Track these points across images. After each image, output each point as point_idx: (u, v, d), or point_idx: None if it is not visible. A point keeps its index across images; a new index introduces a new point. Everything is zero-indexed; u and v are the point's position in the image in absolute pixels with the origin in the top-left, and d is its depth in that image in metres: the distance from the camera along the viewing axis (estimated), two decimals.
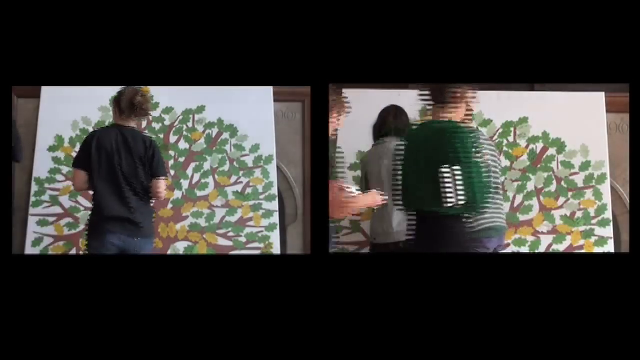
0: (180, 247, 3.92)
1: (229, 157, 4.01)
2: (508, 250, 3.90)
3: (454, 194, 2.37)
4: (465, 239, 2.49)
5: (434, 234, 2.44)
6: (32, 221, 3.81)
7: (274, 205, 3.97)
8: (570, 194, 3.88)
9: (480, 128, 3.96)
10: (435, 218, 2.44)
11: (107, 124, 4.00)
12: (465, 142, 2.41)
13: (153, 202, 3.10)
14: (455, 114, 2.55)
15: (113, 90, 3.85)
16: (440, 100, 2.54)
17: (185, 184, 3.97)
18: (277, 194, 4.00)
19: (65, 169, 3.81)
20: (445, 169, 2.38)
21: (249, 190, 3.98)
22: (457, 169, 2.37)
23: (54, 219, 3.83)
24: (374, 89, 3.93)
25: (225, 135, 4.04)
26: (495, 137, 3.97)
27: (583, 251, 3.82)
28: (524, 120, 3.98)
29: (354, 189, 2.59)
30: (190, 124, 4.03)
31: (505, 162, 3.97)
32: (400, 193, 2.59)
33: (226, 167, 4.00)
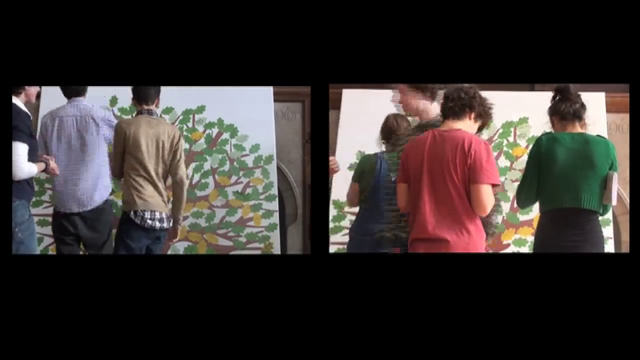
0: (180, 247, 3.92)
1: (229, 157, 4.01)
2: (508, 250, 3.90)
3: (615, 195, 2.71)
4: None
5: (591, 230, 2.72)
6: None
7: (274, 205, 3.98)
8: None
9: None
10: (592, 217, 2.73)
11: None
12: (614, 153, 2.77)
13: None
14: (586, 129, 2.83)
15: (113, 90, 3.87)
16: (578, 117, 2.81)
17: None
18: (277, 194, 4.00)
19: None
20: (611, 173, 2.70)
21: (249, 190, 3.98)
22: (615, 174, 2.72)
23: None
24: (374, 89, 3.93)
25: (225, 135, 4.04)
26: (495, 137, 3.97)
27: None
28: (524, 120, 3.98)
29: None
30: (190, 124, 4.03)
31: (505, 162, 3.97)
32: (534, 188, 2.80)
33: (226, 167, 4.00)
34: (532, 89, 4.05)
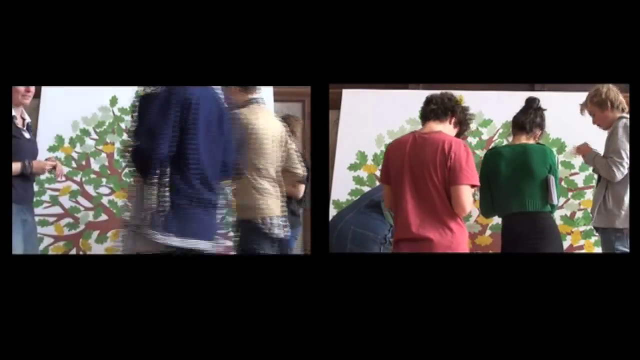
0: None
1: None
2: None
3: (557, 197, 3.04)
4: None
5: (545, 227, 3.03)
6: None
7: None
8: (570, 194, 3.88)
9: (480, 128, 3.96)
10: (543, 215, 3.05)
11: (107, 124, 4.01)
12: (552, 157, 3.11)
13: None
14: (532, 140, 3.17)
15: (113, 90, 3.88)
16: (526, 130, 3.17)
17: None
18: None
19: (65, 169, 3.80)
20: (551, 178, 3.02)
21: None
22: (552, 177, 3.04)
23: (54, 219, 3.83)
24: (374, 89, 3.93)
25: None
26: (495, 137, 3.97)
27: (583, 251, 3.82)
28: None
29: None
30: None
31: None
32: (489, 200, 3.16)
33: None
34: (532, 89, 4.05)
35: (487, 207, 3.20)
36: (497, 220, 3.85)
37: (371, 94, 3.93)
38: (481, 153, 3.93)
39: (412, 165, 2.58)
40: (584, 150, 3.31)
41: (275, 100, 4.08)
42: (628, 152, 3.02)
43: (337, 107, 4.01)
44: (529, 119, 3.15)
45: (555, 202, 3.04)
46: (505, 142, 3.93)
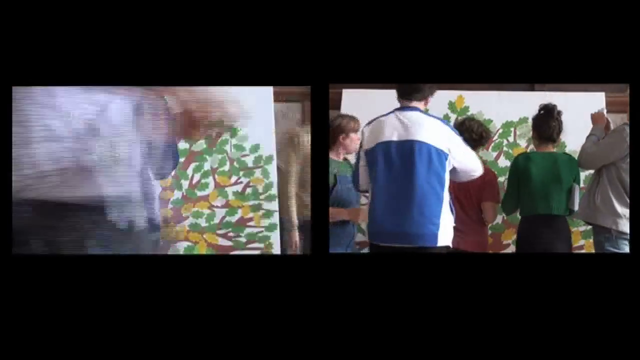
0: (180, 247, 3.92)
1: (229, 157, 4.02)
2: (508, 251, 3.91)
3: (577, 202, 3.41)
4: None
5: (562, 229, 3.44)
6: None
7: (274, 205, 3.98)
8: None
9: None
10: (562, 219, 3.47)
11: None
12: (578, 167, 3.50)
13: None
14: (557, 149, 3.57)
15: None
16: (553, 140, 3.52)
17: (185, 184, 3.98)
18: (277, 194, 4.01)
19: None
20: (576, 187, 3.41)
21: (249, 190, 3.98)
22: (577, 185, 3.44)
23: None
24: (374, 89, 3.93)
25: (225, 135, 4.04)
26: (495, 137, 3.97)
27: (583, 251, 3.82)
28: (524, 120, 3.98)
29: None
30: None
31: (506, 162, 3.97)
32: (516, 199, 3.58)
33: (226, 167, 4.00)
34: (532, 89, 4.05)
35: (512, 205, 3.59)
36: (497, 220, 3.86)
37: (371, 94, 3.93)
38: (482, 153, 3.94)
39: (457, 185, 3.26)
40: (598, 118, 3.53)
41: (275, 100, 4.08)
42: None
43: (337, 107, 4.01)
44: (555, 131, 3.47)
45: (576, 208, 3.40)
46: (505, 142, 3.94)
